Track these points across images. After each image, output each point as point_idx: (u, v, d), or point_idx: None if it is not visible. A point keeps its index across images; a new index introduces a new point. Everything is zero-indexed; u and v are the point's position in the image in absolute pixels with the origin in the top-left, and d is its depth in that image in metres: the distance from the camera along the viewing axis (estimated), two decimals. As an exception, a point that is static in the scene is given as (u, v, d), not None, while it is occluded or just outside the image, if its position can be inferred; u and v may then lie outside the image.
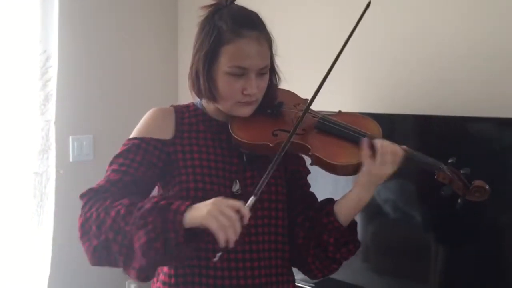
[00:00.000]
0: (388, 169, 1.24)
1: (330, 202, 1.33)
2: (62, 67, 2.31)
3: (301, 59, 2.33)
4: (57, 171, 2.31)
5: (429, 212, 1.89)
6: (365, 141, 1.26)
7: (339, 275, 2.05)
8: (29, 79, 2.21)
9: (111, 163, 1.28)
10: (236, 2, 1.30)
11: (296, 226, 1.34)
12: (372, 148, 1.25)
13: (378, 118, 1.86)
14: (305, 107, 1.27)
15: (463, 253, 1.81)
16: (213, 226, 1.05)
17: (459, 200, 1.27)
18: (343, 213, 1.29)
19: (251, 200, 1.11)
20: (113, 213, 1.12)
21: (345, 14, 2.20)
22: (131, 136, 1.31)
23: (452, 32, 1.93)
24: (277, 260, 1.31)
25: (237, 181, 1.29)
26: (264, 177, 1.14)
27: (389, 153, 1.24)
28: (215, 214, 1.05)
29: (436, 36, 1.97)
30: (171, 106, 1.37)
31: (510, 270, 1.73)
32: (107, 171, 1.28)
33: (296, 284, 1.37)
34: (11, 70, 2.19)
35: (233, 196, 1.25)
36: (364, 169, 1.25)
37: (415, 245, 1.91)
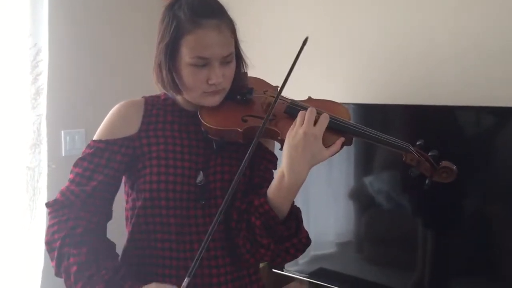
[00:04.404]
0: (303, 131, 1.17)
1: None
2: (53, 60, 2.29)
3: (274, 46, 2.33)
4: (49, 166, 2.30)
5: (421, 203, 1.90)
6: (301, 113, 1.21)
7: (332, 265, 2.07)
8: (20, 73, 2.19)
9: (76, 165, 1.29)
10: None
11: (232, 209, 1.28)
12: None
13: (370, 108, 1.87)
14: (277, 92, 1.24)
15: (455, 242, 1.83)
16: None
17: (426, 181, 1.25)
18: (273, 196, 1.21)
19: (185, 281, 1.12)
20: (71, 260, 1.18)
21: (320, 2, 2.21)
22: (96, 137, 1.31)
23: (444, 27, 1.94)
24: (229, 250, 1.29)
25: (201, 172, 1.27)
26: (207, 237, 1.13)
27: (305, 113, 1.19)
28: None
29: (428, 31, 1.98)
30: (143, 97, 1.36)
31: (500, 261, 1.74)
32: (71, 171, 1.29)
33: (291, 275, 1.36)
34: (1, 64, 2.17)
35: (195, 187, 1.26)
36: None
37: (407, 235, 1.93)
